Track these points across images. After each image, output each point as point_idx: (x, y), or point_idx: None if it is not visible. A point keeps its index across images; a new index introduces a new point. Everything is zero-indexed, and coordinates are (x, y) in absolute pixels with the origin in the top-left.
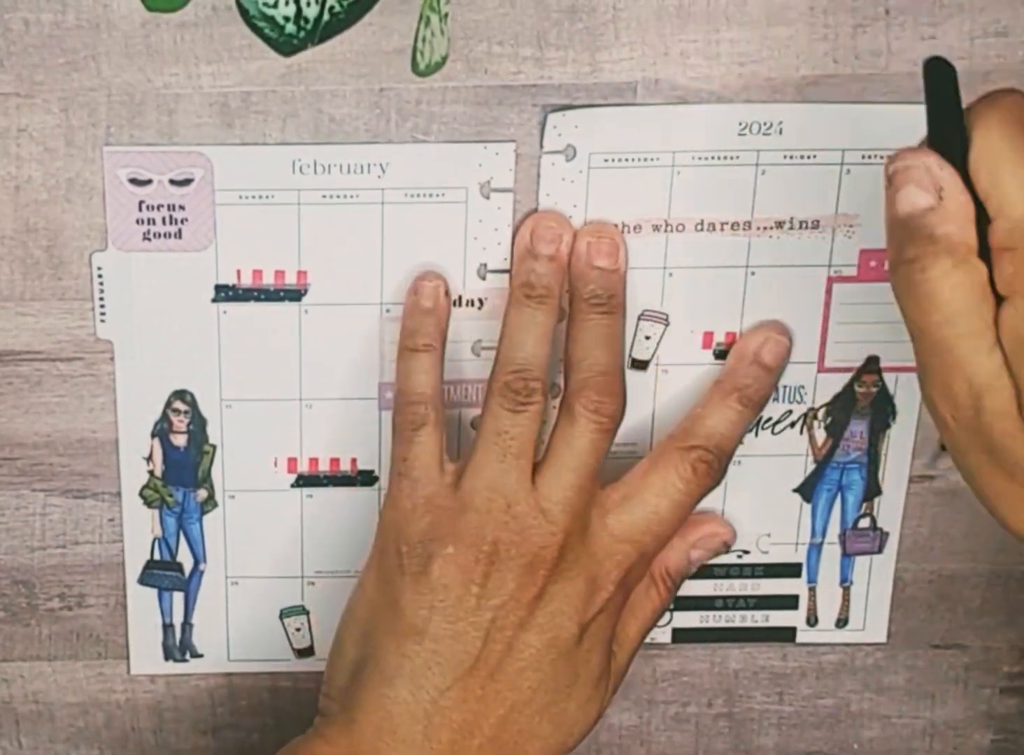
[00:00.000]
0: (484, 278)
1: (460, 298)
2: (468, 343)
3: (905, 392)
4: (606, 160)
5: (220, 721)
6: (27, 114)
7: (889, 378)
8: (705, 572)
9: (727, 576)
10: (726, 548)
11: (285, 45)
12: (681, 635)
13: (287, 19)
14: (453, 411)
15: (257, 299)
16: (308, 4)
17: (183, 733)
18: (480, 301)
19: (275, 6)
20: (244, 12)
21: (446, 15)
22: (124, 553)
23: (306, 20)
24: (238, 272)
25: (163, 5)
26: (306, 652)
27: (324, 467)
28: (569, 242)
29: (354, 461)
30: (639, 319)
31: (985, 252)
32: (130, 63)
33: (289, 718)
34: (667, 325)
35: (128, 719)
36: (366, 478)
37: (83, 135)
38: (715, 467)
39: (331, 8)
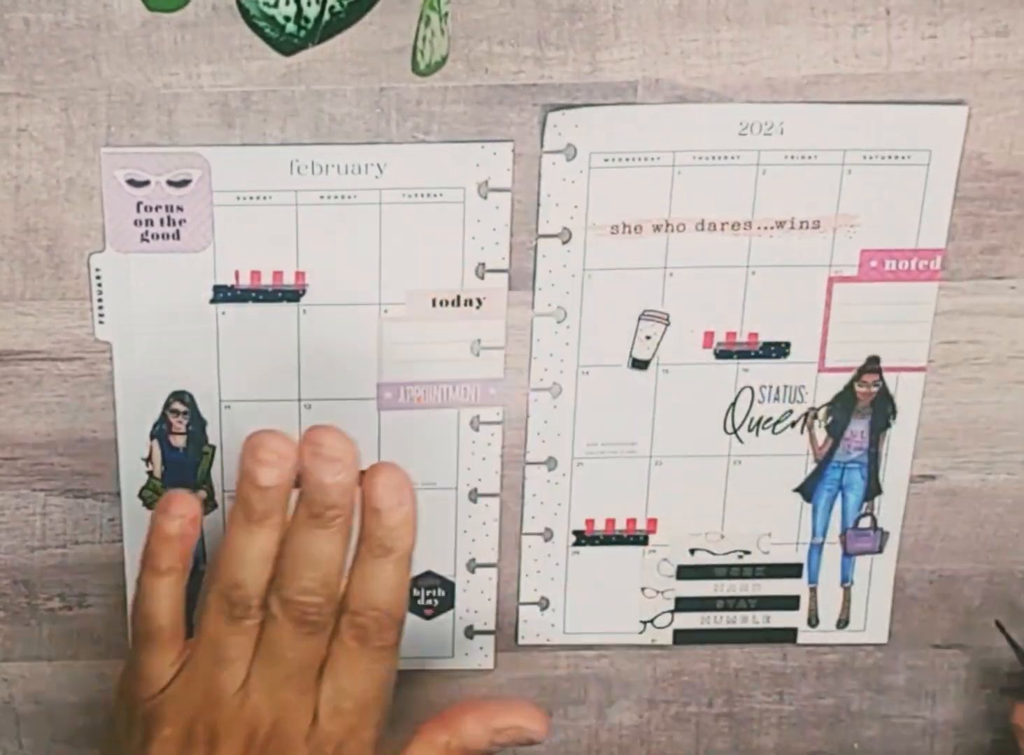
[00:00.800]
0: (483, 278)
1: (459, 298)
2: (467, 343)
3: (906, 392)
4: (607, 160)
5: None
6: (27, 114)
7: (890, 378)
8: (706, 572)
9: (728, 576)
10: (530, 743)
11: (285, 45)
12: (682, 636)
13: (287, 19)
14: (451, 411)
15: (255, 300)
16: (308, 3)
17: None
18: (478, 300)
19: (275, 6)
20: (244, 12)
21: (446, 14)
22: (124, 554)
23: (306, 20)
24: (236, 273)
25: (163, 5)
26: None
27: None
28: (295, 465)
29: None
30: (639, 319)
31: None
32: (130, 63)
33: None
34: (667, 325)
35: None
36: None
37: (83, 135)
38: (382, 633)
39: (331, 8)
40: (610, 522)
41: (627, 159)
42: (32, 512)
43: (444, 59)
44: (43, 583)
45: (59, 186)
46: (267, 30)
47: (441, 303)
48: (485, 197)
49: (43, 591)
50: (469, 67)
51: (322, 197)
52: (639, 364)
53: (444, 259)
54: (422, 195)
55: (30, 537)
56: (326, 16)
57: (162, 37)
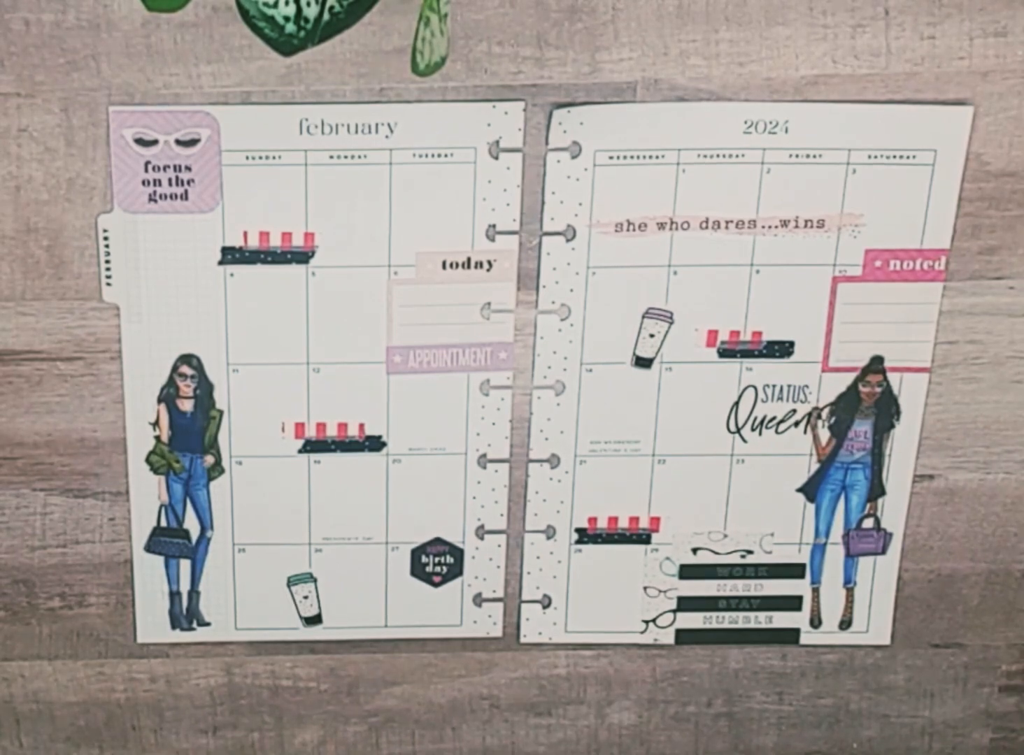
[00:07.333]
0: (493, 240)
1: (469, 260)
2: (476, 306)
3: (910, 392)
4: (611, 157)
5: (220, 721)
6: (27, 114)
7: (894, 378)
8: (708, 572)
9: (730, 576)
10: None
11: (285, 45)
12: (685, 636)
13: (287, 19)
14: (461, 375)
15: (264, 261)
16: (308, 4)
17: (183, 732)
18: (488, 263)
19: (275, 6)
20: (244, 12)
21: (446, 15)
22: (130, 521)
23: (306, 20)
24: (244, 234)
25: (163, 5)
26: (314, 620)
27: (332, 432)
28: None
29: (362, 426)
30: (643, 317)
31: None
32: (130, 63)
33: (289, 718)
34: (671, 323)
35: (128, 718)
36: (374, 444)
37: (83, 135)
38: None
39: (331, 8)
40: (613, 520)
41: (632, 157)
42: (32, 512)
43: (443, 60)
44: (43, 582)
45: (59, 186)
46: (266, 30)
47: (451, 265)
48: (496, 157)
49: (43, 590)
50: (468, 68)
51: (332, 157)
52: (643, 362)
53: (454, 221)
54: (433, 155)
55: (30, 537)
56: (325, 16)
57: (162, 37)
